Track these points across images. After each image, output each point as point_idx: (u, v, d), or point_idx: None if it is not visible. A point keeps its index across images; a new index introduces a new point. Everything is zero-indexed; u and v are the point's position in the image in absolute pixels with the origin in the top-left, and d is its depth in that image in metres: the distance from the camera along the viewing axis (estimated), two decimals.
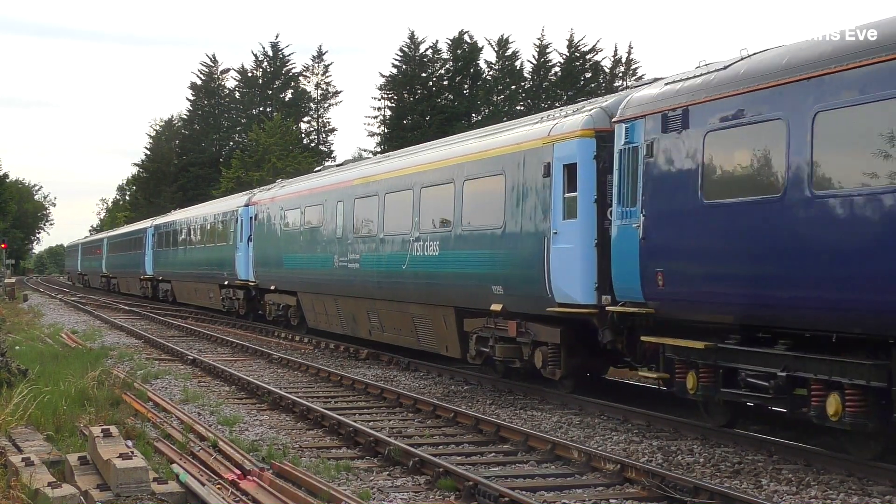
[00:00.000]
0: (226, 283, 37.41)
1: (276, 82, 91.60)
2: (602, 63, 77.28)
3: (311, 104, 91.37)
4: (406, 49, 77.24)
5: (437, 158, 21.11)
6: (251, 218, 34.13)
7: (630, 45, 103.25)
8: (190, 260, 44.22)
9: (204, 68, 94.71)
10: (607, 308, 14.85)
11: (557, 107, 21.51)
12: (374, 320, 24.03)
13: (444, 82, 76.88)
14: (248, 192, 39.51)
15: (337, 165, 32.03)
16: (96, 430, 11.46)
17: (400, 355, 23.13)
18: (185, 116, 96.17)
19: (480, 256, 18.43)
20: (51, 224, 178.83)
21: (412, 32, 78.05)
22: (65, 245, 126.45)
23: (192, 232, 44.65)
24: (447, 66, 77.09)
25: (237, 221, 35.50)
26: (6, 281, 64.08)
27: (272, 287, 31.95)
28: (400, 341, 23.03)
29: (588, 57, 76.90)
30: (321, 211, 27.10)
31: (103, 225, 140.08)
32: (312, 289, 28.14)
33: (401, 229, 21.77)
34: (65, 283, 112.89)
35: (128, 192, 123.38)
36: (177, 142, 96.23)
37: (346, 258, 24.73)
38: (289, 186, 32.36)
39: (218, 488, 10.56)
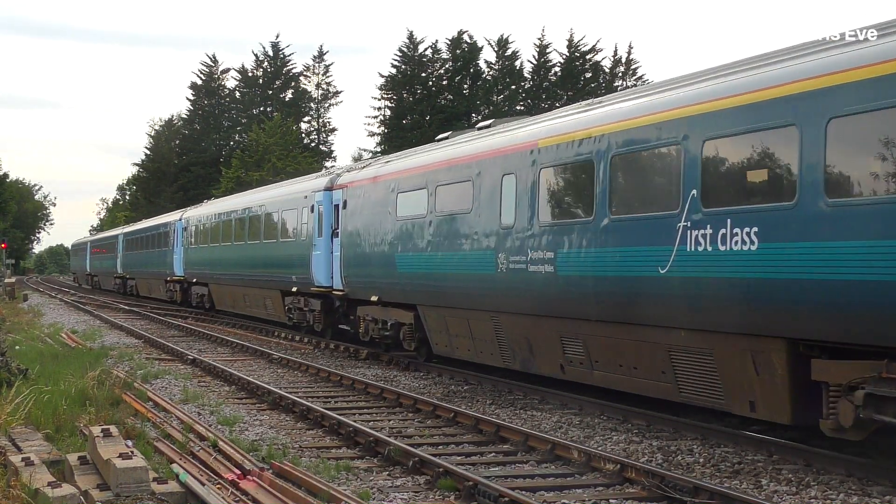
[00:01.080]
0: (293, 289, 29.56)
1: (277, 82, 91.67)
2: (602, 63, 77.39)
3: (312, 104, 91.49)
4: (406, 49, 77.30)
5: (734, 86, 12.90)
6: (336, 206, 26.26)
7: (630, 45, 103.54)
8: (237, 259, 35.80)
9: (204, 68, 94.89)
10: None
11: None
12: (577, 351, 16.11)
13: (444, 82, 76.94)
14: (326, 172, 32.93)
15: (479, 128, 21.58)
16: (96, 430, 11.45)
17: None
18: (186, 116, 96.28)
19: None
20: (51, 224, 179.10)
21: (411, 32, 78.32)
22: (70, 243, 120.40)
23: (241, 225, 36.02)
24: (447, 66, 77.12)
25: (313, 210, 27.69)
26: (6, 281, 64.07)
27: (373, 298, 23.59)
28: (633, 386, 15.00)
29: (588, 57, 77.00)
30: (469, 190, 18.93)
31: (103, 225, 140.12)
32: (447, 301, 20.09)
33: (658, 206, 13.75)
34: (67, 283, 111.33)
35: (128, 192, 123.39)
36: (177, 142, 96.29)
37: (522, 257, 16.85)
38: (400, 161, 23.58)
39: (218, 488, 10.56)
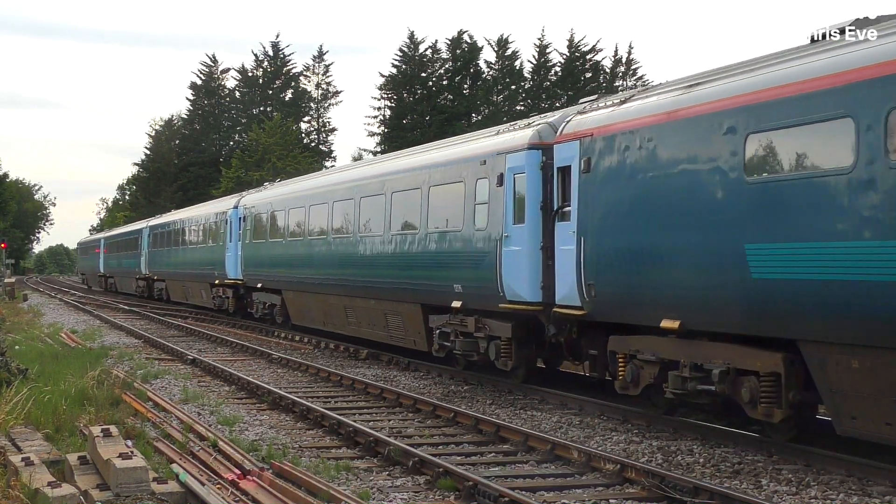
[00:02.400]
0: (454, 304, 19.50)
1: (277, 82, 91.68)
2: (602, 63, 77.36)
3: (312, 104, 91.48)
4: (406, 49, 77.29)
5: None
6: (562, 169, 16.48)
7: (630, 45, 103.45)
8: (338, 258, 26.18)
9: (204, 68, 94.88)
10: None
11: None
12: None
13: (444, 82, 76.93)
14: (511, 126, 19.55)
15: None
16: (96, 430, 11.45)
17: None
18: (185, 116, 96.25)
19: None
20: (51, 224, 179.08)
21: (412, 32, 78.18)
22: (77, 241, 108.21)
23: (344, 213, 26.03)
24: (447, 66, 77.12)
25: (501, 182, 17.99)
26: (6, 281, 64.06)
27: (668, 324, 13.53)
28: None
29: (588, 57, 76.95)
30: None
31: (103, 225, 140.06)
32: None
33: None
34: (71, 283, 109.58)
35: (128, 192, 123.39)
36: (177, 141, 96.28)
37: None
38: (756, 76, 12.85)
39: (218, 488, 10.55)
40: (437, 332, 20.29)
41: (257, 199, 35.21)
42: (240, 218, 36.15)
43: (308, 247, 28.25)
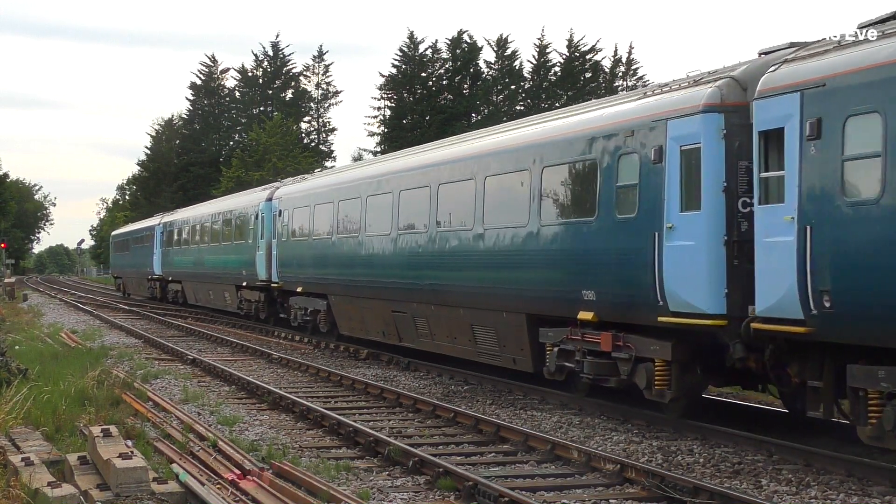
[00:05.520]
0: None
1: (277, 82, 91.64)
2: (602, 63, 77.33)
3: (312, 104, 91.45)
4: (406, 49, 77.26)
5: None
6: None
7: (630, 45, 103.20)
8: (408, 255, 21.85)
9: (204, 68, 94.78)
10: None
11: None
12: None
13: (444, 82, 76.89)
14: (698, 77, 14.79)
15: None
16: (96, 430, 11.45)
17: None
18: (186, 116, 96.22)
19: None
20: (51, 224, 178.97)
21: (412, 32, 78.12)
22: (112, 234, 78.77)
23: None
24: (447, 66, 77.10)
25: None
26: (6, 280, 64.06)
27: None
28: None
29: (588, 57, 76.89)
30: None
31: (103, 225, 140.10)
32: None
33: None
34: (72, 284, 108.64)
35: (128, 192, 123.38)
36: (177, 141, 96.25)
37: None
38: None
39: (218, 488, 10.56)
40: (555, 349, 15.84)
41: (297, 190, 30.39)
42: (274, 212, 31.48)
43: (365, 245, 23.75)
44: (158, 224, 51.08)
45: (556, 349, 15.86)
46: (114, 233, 76.90)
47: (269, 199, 32.29)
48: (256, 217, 33.17)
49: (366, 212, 23.89)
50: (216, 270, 38.86)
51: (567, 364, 15.63)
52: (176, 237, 46.97)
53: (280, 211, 30.93)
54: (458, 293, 19.34)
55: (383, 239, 22.73)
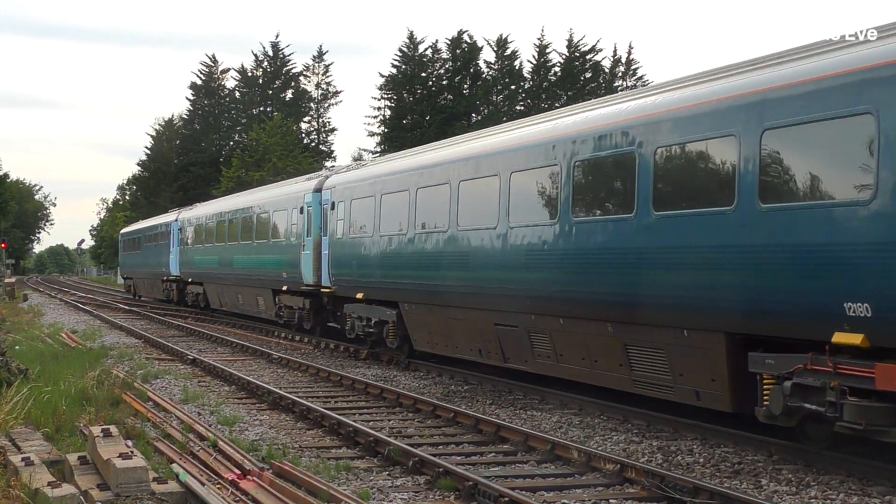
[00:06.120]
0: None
1: (277, 82, 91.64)
2: (602, 63, 77.32)
3: (312, 104, 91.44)
4: (405, 49, 77.25)
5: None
6: None
7: (630, 45, 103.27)
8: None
9: (204, 68, 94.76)
10: None
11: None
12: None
13: (444, 82, 76.87)
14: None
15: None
16: (96, 430, 11.45)
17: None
18: (186, 116, 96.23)
19: None
20: (51, 224, 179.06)
21: (411, 32, 78.11)
22: (121, 232, 71.86)
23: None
24: (447, 66, 77.09)
25: None
26: (6, 280, 64.06)
27: None
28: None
29: (588, 57, 76.85)
30: None
31: (103, 225, 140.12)
32: None
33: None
34: (73, 284, 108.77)
35: (128, 192, 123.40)
36: (177, 141, 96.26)
37: None
38: None
39: (218, 488, 10.56)
40: (787, 384, 11.28)
41: (356, 178, 25.25)
42: (325, 205, 26.88)
43: (458, 242, 18.99)
44: (175, 220, 47.06)
45: (785, 383, 11.35)
46: (123, 230, 70.54)
47: (318, 190, 27.49)
48: (301, 211, 28.42)
49: (458, 201, 19.14)
50: (248, 272, 34.09)
51: (808, 406, 11.11)
52: (197, 234, 42.42)
53: (333, 203, 26.06)
54: (605, 304, 14.75)
55: (486, 234, 17.94)
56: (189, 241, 43.74)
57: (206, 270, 40.60)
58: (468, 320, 19.17)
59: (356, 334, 24.88)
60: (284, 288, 29.87)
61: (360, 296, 24.06)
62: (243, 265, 34.57)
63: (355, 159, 74.84)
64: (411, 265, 21.19)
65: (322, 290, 26.78)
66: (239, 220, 35.87)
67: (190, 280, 44.03)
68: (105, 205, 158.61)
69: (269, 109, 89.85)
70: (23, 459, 10.84)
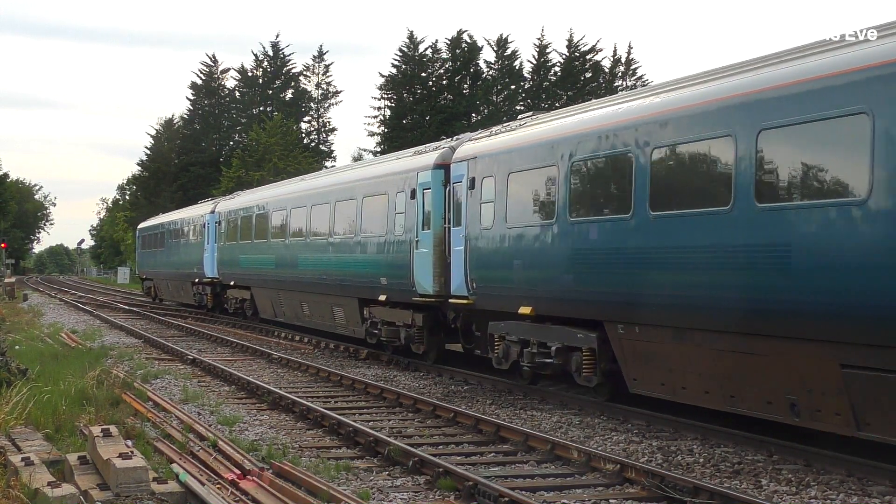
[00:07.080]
0: None
1: (277, 82, 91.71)
2: (602, 63, 77.35)
3: (312, 104, 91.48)
4: (405, 49, 77.27)
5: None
6: None
7: (630, 45, 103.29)
8: None
9: (204, 68, 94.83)
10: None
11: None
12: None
13: (444, 82, 76.88)
14: None
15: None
16: (96, 430, 11.45)
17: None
18: (186, 116, 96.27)
19: None
20: (51, 224, 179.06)
21: (411, 32, 78.15)
22: (139, 227, 63.62)
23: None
24: (447, 66, 77.10)
25: None
26: (6, 280, 64.04)
27: None
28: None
29: (588, 57, 76.92)
30: None
31: (103, 225, 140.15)
32: None
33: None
34: (73, 284, 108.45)
35: (128, 192, 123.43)
36: (177, 141, 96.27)
37: None
38: None
39: (218, 488, 10.55)
40: None
41: (516, 141, 18.02)
42: (453, 185, 19.98)
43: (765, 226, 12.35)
44: (212, 212, 40.16)
45: None
46: (141, 225, 61.83)
47: (440, 166, 20.54)
48: (412, 195, 21.52)
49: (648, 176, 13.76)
50: (320, 276, 27.18)
51: None
52: (243, 228, 35.40)
53: (472, 181, 18.92)
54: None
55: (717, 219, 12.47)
56: (231, 237, 36.83)
57: (255, 272, 33.66)
58: (757, 354, 12.21)
59: (508, 365, 18.14)
60: (382, 298, 22.87)
61: (525, 310, 17.07)
62: (313, 266, 27.72)
63: (355, 159, 74.82)
64: (635, 264, 14.15)
65: (452, 300, 19.78)
66: (306, 212, 28.70)
67: (232, 283, 37.06)
68: (105, 205, 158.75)
69: (269, 109, 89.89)
70: (23, 459, 10.84)
